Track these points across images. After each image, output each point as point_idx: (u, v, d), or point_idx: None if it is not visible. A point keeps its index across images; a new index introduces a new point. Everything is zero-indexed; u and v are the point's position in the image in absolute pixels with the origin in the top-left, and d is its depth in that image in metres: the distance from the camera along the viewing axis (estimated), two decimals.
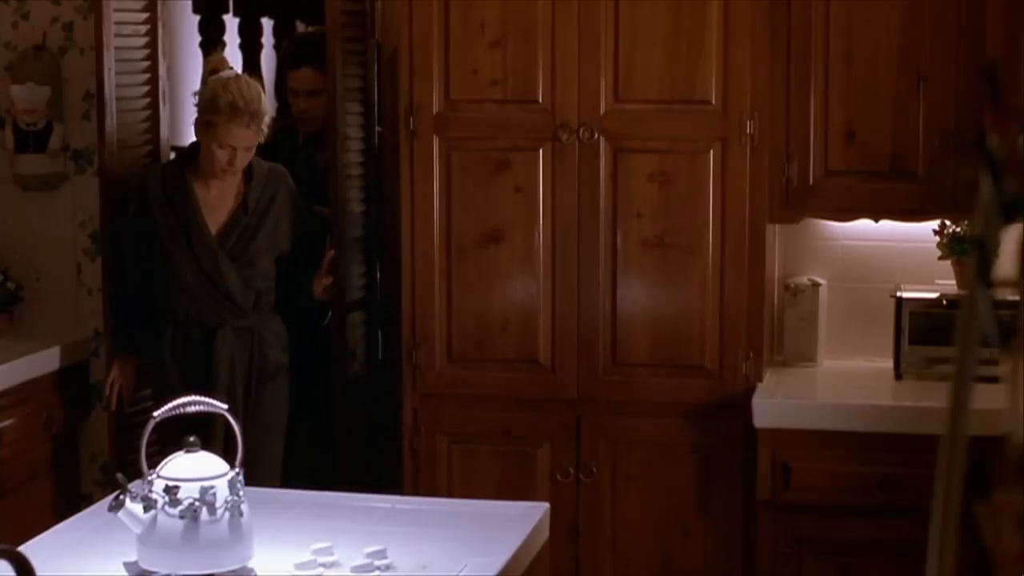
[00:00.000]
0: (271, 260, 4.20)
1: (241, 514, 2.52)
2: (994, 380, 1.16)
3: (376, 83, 4.42)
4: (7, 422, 4.20)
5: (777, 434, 3.82)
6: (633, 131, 3.94)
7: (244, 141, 4.06)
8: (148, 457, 2.58)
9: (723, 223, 3.91)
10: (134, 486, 2.57)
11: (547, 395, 4.03)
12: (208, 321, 4.11)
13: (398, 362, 4.18)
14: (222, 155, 4.05)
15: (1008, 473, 1.14)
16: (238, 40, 5.68)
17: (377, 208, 4.45)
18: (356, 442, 4.37)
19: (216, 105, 4.03)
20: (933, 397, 3.76)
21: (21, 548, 2.09)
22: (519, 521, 2.81)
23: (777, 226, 4.15)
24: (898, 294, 4.03)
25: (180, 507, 2.48)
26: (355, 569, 2.54)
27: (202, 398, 2.60)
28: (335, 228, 4.25)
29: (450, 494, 3.98)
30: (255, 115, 4.05)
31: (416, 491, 4.03)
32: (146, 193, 4.16)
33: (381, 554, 2.57)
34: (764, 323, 3.99)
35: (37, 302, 4.65)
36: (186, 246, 4.11)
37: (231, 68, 4.27)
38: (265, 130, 4.14)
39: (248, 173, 4.18)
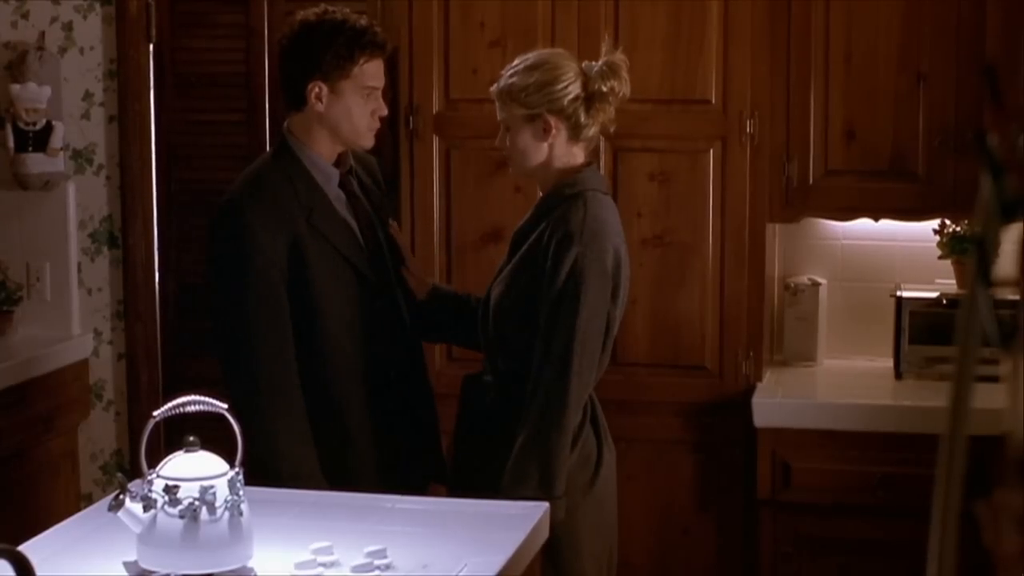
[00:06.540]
0: None
1: (241, 514, 2.52)
2: (994, 380, 1.16)
3: None
4: (7, 422, 4.19)
5: (777, 433, 3.82)
6: (633, 130, 3.93)
7: None
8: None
9: (723, 222, 3.91)
10: (134, 485, 2.56)
11: None
12: None
13: None
14: None
15: (1008, 473, 1.14)
16: None
17: None
18: None
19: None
20: (933, 397, 3.76)
21: (21, 548, 2.08)
22: (519, 521, 2.81)
23: (777, 226, 4.15)
24: (898, 293, 4.03)
25: (180, 507, 2.48)
26: (355, 569, 2.54)
27: (202, 398, 2.59)
28: None
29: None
30: None
31: None
32: None
33: (381, 553, 2.57)
34: (764, 322, 3.99)
35: (37, 302, 4.64)
36: None
37: None
38: None
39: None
